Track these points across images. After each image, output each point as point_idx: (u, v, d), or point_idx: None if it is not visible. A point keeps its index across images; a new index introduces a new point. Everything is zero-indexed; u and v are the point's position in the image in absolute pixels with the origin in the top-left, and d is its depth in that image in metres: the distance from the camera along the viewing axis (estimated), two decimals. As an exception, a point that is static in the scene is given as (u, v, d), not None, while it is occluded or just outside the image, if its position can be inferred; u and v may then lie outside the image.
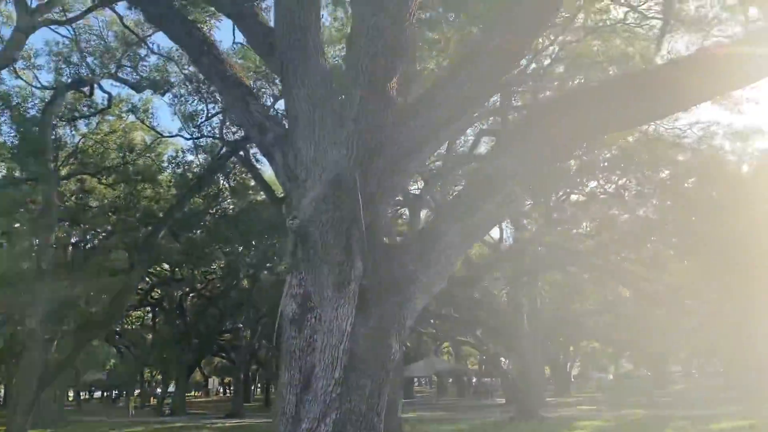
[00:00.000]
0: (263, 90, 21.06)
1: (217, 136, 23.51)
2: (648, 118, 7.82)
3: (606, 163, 29.00)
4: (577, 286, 43.64)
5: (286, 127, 6.94)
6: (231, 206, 31.22)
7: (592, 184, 32.85)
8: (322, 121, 6.43)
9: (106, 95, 23.41)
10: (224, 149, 23.25)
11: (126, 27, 19.57)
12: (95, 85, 22.37)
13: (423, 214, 26.48)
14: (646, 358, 69.11)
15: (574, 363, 68.48)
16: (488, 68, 5.81)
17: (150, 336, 50.12)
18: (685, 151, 28.00)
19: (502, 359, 49.60)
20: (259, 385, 73.42)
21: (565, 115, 6.44)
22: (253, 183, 28.74)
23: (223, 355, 55.31)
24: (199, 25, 9.51)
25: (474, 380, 58.66)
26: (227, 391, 74.66)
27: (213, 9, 12.85)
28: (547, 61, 22.67)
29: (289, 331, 6.28)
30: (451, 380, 65.31)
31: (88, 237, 30.13)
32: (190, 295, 43.98)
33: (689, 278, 34.99)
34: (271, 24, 7.09)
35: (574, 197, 34.69)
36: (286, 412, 6.19)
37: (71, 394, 59.30)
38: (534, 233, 32.90)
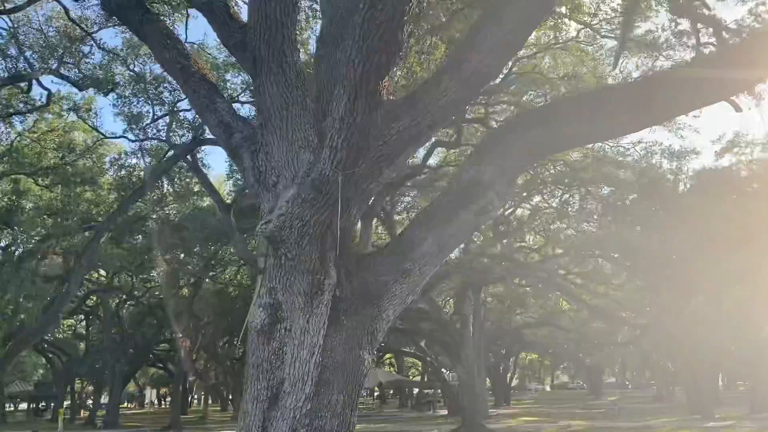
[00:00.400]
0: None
1: (163, 138, 22.71)
2: (627, 130, 7.87)
3: (551, 179, 29.57)
4: (519, 299, 44.36)
5: (255, 127, 6.60)
6: (173, 212, 30.27)
7: (537, 198, 33.51)
8: (296, 120, 6.14)
9: (45, 92, 22.32)
10: (171, 152, 22.47)
11: (72, 20, 18.64)
12: (34, 81, 21.25)
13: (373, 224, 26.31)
14: (582, 370, 70.94)
15: (514, 374, 69.42)
16: (473, 73, 5.66)
17: (82, 345, 48.11)
18: (626, 169, 28.82)
19: (444, 370, 49.87)
20: (196, 396, 71.52)
21: (547, 125, 6.36)
22: (197, 188, 27.97)
23: (160, 365, 53.60)
24: (161, 18, 9.05)
25: (416, 391, 58.63)
26: (162, 402, 72.40)
27: (177, 1, 12.33)
28: (499, 76, 22.87)
29: (257, 342, 5.92)
30: (392, 391, 65.13)
31: (20, 240, 28.58)
32: (128, 303, 42.45)
33: (628, 292, 36.00)
34: (244, 17, 6.76)
35: (519, 211, 35.24)
36: (251, 430, 5.82)
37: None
38: (480, 245, 33.23)
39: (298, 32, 14.52)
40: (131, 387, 64.94)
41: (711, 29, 11.99)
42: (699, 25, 13.21)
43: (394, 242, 7.06)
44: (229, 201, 24.26)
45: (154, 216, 27.88)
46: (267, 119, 6.20)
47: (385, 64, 4.75)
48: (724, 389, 57.74)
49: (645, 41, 16.32)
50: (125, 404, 66.74)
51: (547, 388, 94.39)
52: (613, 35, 18.47)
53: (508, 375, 61.66)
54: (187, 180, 26.97)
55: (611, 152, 27.83)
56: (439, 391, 50.97)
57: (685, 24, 13.95)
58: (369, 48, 4.51)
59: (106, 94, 21.55)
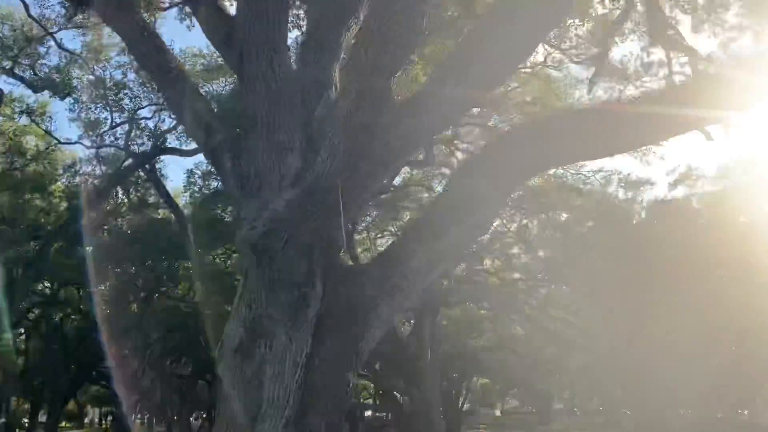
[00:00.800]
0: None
1: (122, 147, 21.92)
2: (618, 150, 7.74)
3: (510, 203, 29.65)
4: (475, 322, 44.20)
5: (238, 129, 6.20)
6: (126, 223, 29.27)
7: (497, 222, 33.58)
8: (282, 122, 5.75)
9: (-4, 92, 21.27)
10: (129, 161, 21.70)
11: (31, 17, 17.87)
12: (-16, 81, 20.29)
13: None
14: (532, 395, 71.16)
15: (466, 399, 69.08)
16: (482, 75, 5.38)
17: (20, 361, 45.79)
18: (584, 196, 29.15)
19: (396, 394, 49.19)
20: (140, 416, 69.09)
21: (541, 140, 6.15)
22: (152, 200, 27.15)
23: (104, 383, 51.57)
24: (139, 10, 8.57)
25: (367, 414, 57.80)
26: (103, 421, 69.77)
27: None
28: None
29: (234, 360, 5.45)
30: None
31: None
32: (72, 317, 40.72)
33: (584, 318, 36.25)
34: (232, 11, 6.37)
35: (478, 234, 35.21)
36: (225, 455, 5.34)
37: None
38: (440, 268, 33.08)
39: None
40: (71, 405, 62.20)
41: (685, 59, 12.11)
42: (672, 54, 13.35)
43: (382, 256, 6.70)
44: (186, 213, 23.56)
45: (106, 227, 26.88)
46: (252, 120, 5.81)
47: (400, 57, 4.43)
48: (672, 417, 58.60)
49: (617, 68, 16.52)
50: (64, 423, 63.95)
51: (498, 413, 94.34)
52: (580, 60, 18.64)
53: (460, 400, 61.32)
54: (143, 191, 26.15)
55: (572, 179, 28.15)
56: (391, 415, 50.28)
57: (658, 53, 14.12)
58: (384, 40, 4.18)
59: (62, 98, 20.74)
